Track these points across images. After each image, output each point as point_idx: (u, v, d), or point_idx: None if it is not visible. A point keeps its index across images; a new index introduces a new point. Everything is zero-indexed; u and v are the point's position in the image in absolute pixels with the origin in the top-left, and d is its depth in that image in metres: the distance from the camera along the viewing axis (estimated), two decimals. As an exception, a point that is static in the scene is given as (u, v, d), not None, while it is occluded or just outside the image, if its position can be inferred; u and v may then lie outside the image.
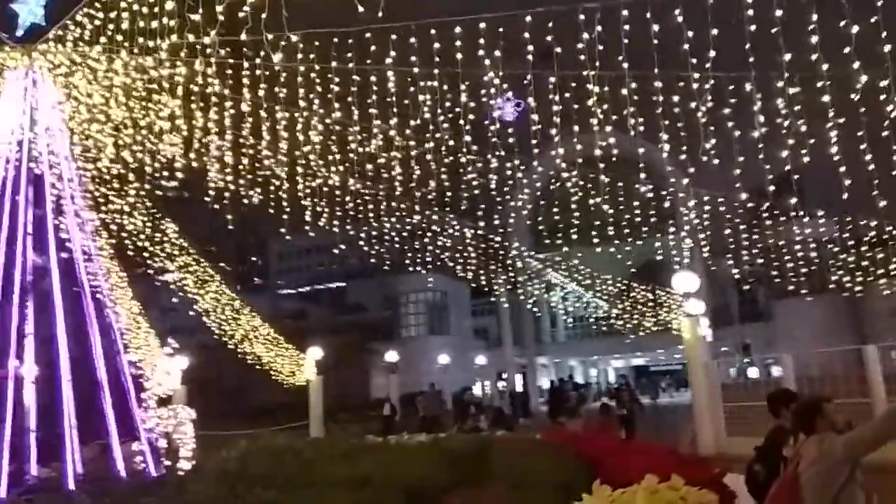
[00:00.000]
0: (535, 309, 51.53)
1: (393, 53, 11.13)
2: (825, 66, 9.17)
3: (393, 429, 27.31)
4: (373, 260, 26.90)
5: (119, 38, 9.45)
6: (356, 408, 34.05)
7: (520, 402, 35.54)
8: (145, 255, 16.20)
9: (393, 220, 23.96)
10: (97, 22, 9.35)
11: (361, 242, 24.16)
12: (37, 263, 9.29)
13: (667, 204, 40.90)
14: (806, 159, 10.61)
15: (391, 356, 30.77)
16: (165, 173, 13.02)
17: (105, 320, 9.79)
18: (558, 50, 11.68)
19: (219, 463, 8.48)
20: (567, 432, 10.03)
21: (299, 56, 11.39)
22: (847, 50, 8.94)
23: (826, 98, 9.54)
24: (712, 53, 10.33)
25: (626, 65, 11.16)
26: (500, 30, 11.27)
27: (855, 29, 8.58)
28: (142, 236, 15.27)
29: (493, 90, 12.55)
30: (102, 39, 9.57)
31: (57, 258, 9.47)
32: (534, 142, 13.39)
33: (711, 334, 32.48)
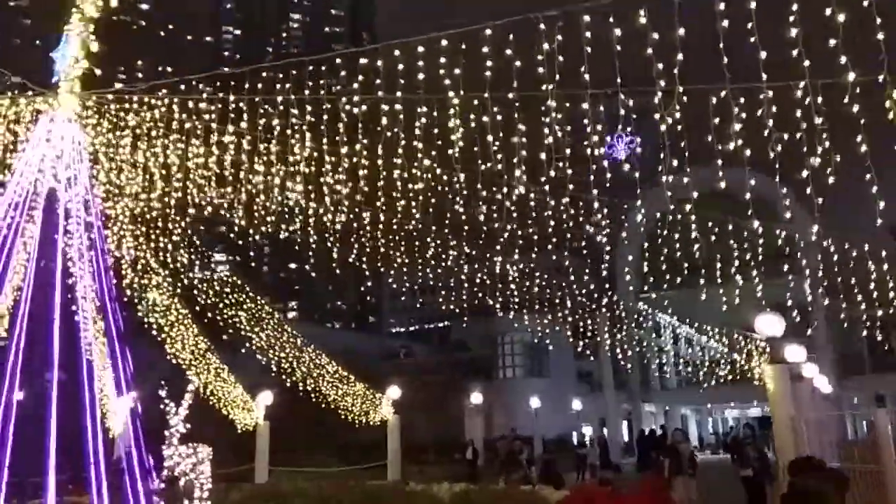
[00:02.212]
0: (638, 349, 49.18)
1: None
2: None
3: (475, 473, 26.40)
4: (462, 303, 26.49)
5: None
6: (444, 449, 33.32)
7: (606, 453, 33.41)
8: (194, 292, 16.49)
9: (495, 260, 23.58)
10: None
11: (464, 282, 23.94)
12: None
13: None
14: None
15: (476, 398, 30.02)
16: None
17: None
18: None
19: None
20: (594, 495, 8.76)
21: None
22: None
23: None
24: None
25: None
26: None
27: None
28: (190, 274, 15.57)
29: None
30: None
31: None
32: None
33: (830, 384, 29.45)
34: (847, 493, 16.04)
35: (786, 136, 9.91)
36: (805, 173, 8.77)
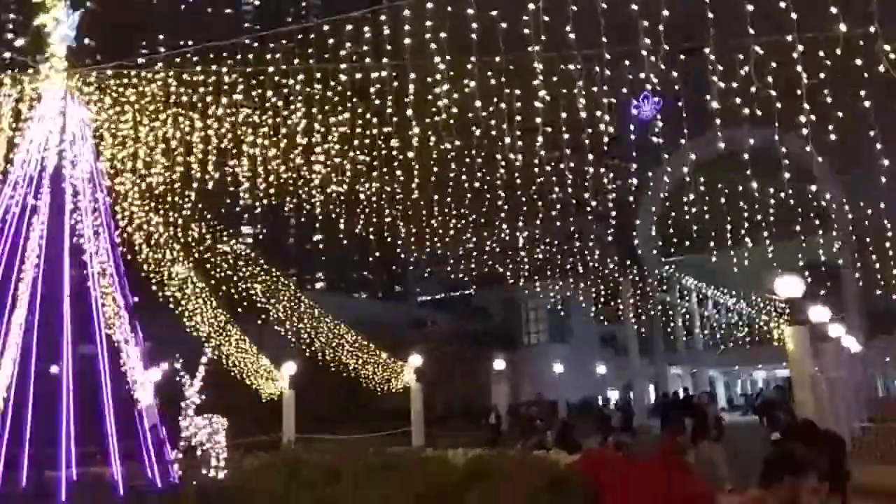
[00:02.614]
0: (661, 313, 48.97)
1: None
2: None
3: (499, 439, 26.64)
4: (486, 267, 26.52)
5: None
6: (471, 416, 33.62)
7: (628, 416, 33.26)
8: (207, 266, 16.62)
9: (507, 229, 23.50)
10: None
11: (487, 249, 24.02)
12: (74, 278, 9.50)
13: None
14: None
15: (499, 364, 30.23)
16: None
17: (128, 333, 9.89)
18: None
19: (231, 475, 8.30)
20: (603, 459, 8.67)
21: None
22: None
23: None
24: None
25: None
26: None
27: None
28: (200, 248, 15.66)
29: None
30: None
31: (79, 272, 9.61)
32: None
33: (859, 343, 29.07)
34: (864, 451, 15.92)
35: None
36: (805, 131, 8.55)
